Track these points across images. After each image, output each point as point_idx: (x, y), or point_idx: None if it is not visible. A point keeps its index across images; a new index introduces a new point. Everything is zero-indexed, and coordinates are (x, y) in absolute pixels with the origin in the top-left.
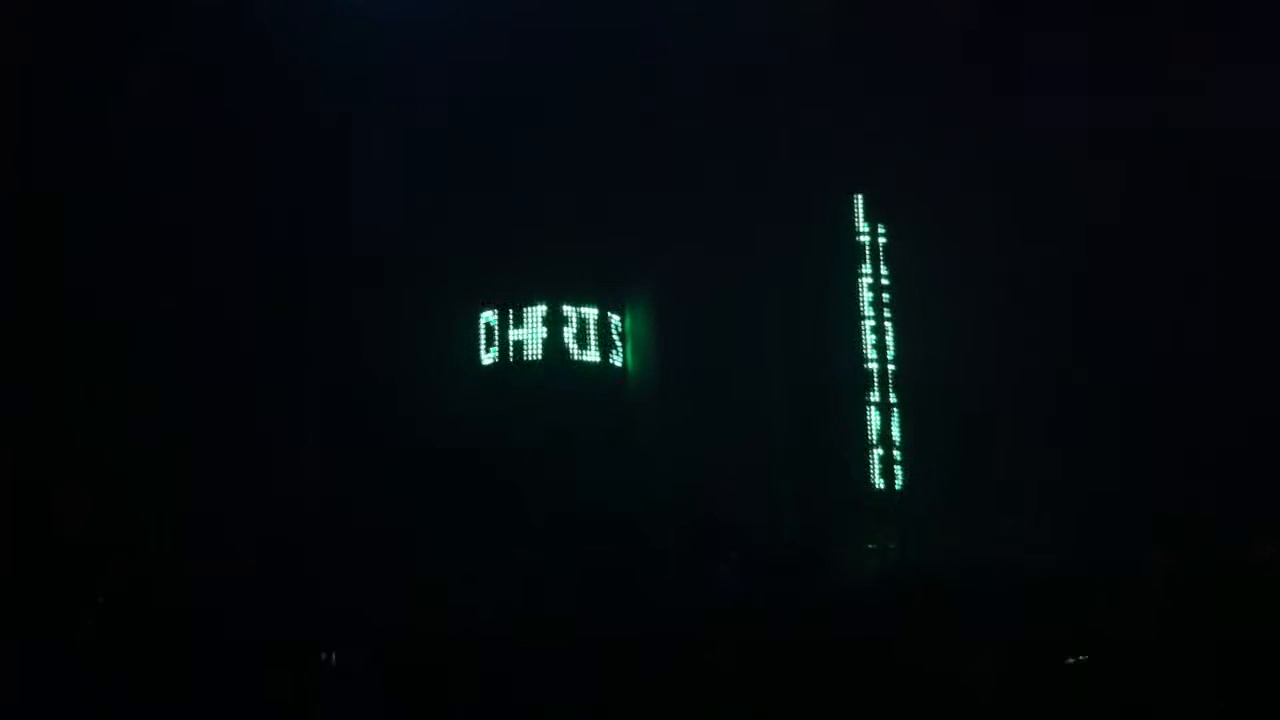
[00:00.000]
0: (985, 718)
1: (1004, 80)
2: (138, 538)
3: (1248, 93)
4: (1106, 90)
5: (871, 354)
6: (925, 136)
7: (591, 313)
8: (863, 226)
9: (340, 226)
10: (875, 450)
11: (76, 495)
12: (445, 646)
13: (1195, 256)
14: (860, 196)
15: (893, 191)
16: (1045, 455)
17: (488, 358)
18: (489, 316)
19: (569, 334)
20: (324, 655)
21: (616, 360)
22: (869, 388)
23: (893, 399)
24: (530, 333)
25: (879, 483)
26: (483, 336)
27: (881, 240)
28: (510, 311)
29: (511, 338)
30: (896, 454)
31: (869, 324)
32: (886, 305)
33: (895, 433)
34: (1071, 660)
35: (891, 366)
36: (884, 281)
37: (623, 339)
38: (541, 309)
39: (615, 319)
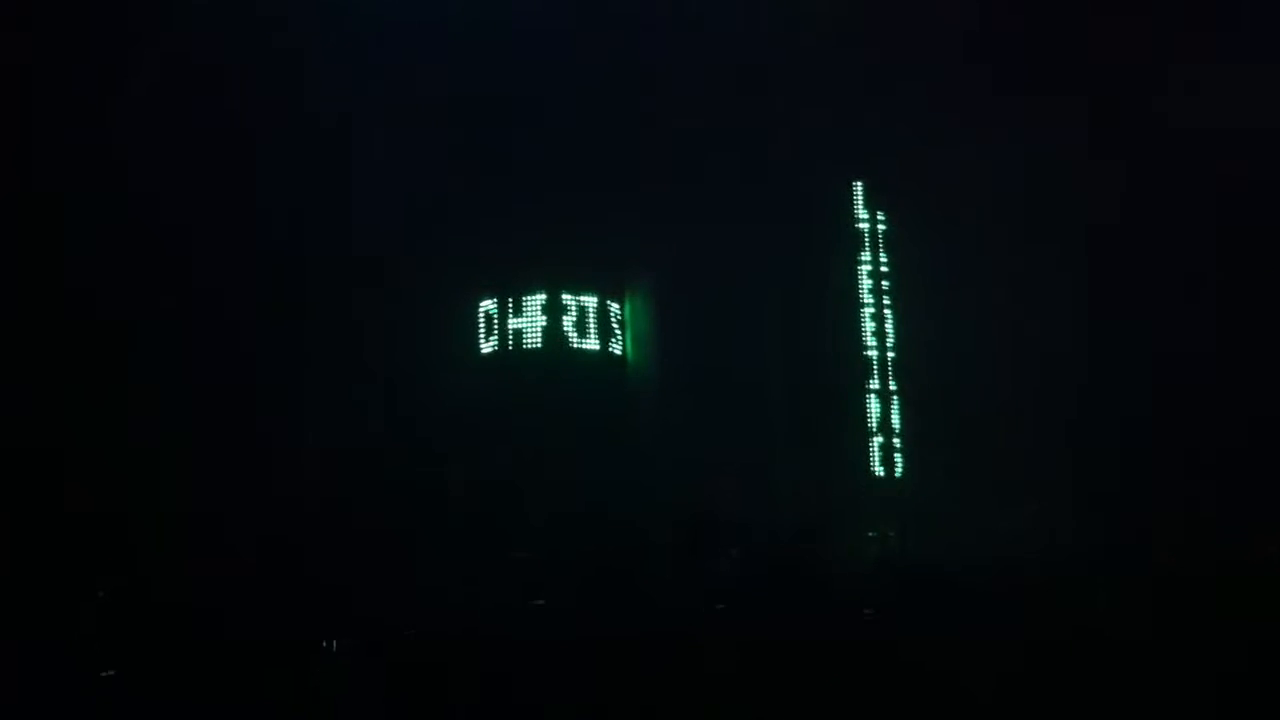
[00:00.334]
0: (985, 718)
1: (1003, 79)
2: (138, 537)
3: (1248, 93)
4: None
5: (871, 341)
6: (925, 125)
7: (591, 301)
8: (862, 214)
9: (340, 221)
10: (875, 438)
11: (77, 495)
12: (445, 646)
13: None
14: (860, 184)
15: (893, 179)
16: (1045, 455)
17: (487, 346)
18: (488, 305)
19: (568, 322)
20: (324, 654)
21: (616, 348)
22: (869, 375)
23: (892, 386)
24: (530, 321)
25: (879, 470)
26: (482, 325)
27: (881, 227)
28: (510, 300)
29: (511, 326)
30: (896, 441)
31: (869, 311)
32: (886, 293)
33: (895, 420)
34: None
35: (891, 354)
36: (883, 269)
37: (622, 327)
38: (541, 297)
39: (615, 307)
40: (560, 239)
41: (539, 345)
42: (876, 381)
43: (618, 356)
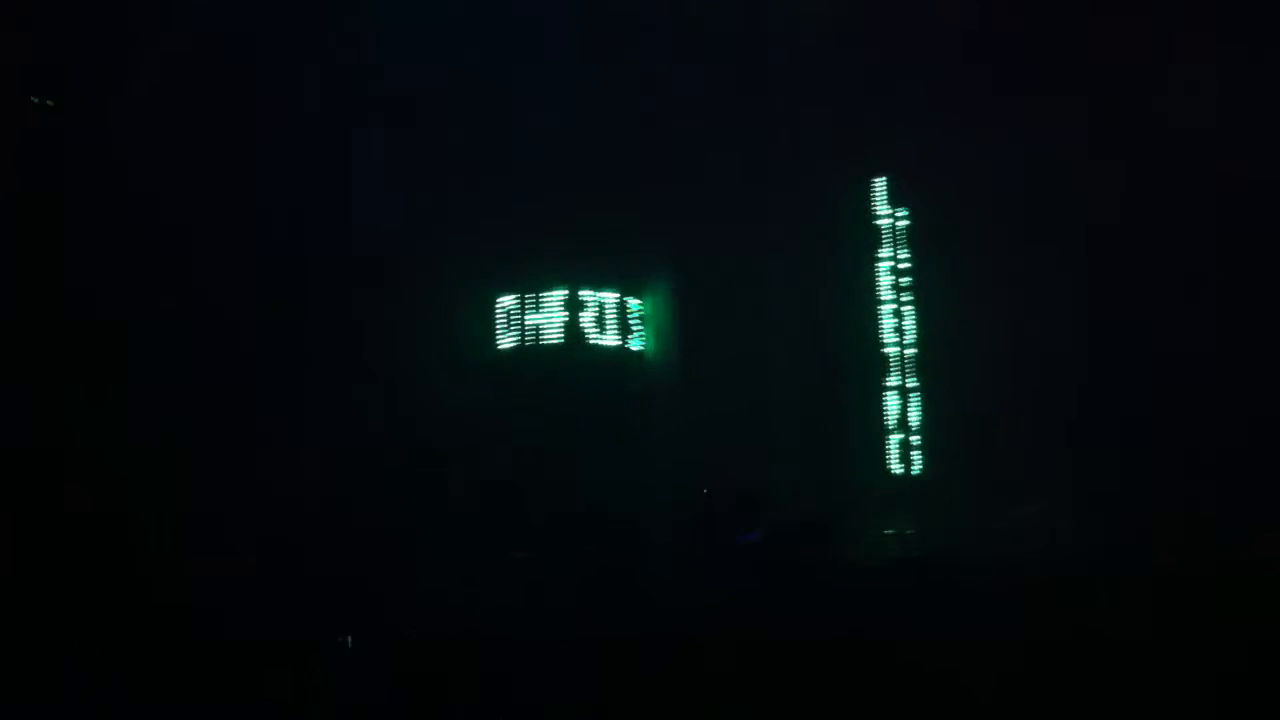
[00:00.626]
0: (985, 718)
1: (1003, 79)
2: (138, 537)
3: (1248, 93)
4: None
5: (891, 337)
6: (947, 120)
7: (611, 297)
8: (883, 209)
9: (340, 221)
10: (893, 435)
11: (77, 495)
12: (445, 646)
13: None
14: (882, 179)
15: (913, 174)
16: (1045, 455)
17: (506, 342)
18: (508, 302)
19: (587, 319)
20: (324, 655)
21: (635, 345)
22: (887, 372)
23: (911, 383)
24: (549, 317)
25: (897, 468)
26: (500, 322)
27: (901, 223)
28: (528, 297)
29: (528, 322)
30: (915, 439)
31: (888, 308)
32: (905, 289)
33: (914, 417)
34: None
35: (910, 350)
36: (903, 265)
37: (642, 323)
38: (561, 293)
39: (634, 303)
40: (579, 235)
41: (559, 341)
42: (895, 378)
43: (636, 353)
